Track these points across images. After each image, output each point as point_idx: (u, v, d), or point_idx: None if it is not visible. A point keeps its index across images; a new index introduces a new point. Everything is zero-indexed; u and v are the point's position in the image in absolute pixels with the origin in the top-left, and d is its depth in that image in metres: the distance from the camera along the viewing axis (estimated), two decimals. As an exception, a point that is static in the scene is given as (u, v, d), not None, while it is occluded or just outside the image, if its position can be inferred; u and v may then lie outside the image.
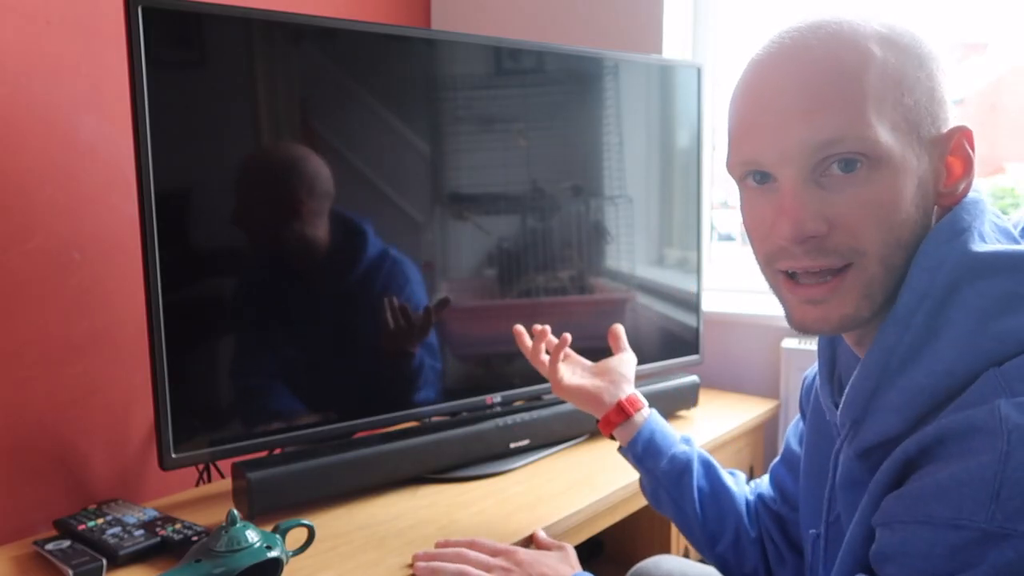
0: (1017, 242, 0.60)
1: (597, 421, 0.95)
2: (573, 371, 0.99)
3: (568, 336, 0.99)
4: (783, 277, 0.61)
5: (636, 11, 1.63)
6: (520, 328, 1.03)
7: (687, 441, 0.91)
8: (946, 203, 0.60)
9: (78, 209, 1.23)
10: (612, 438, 0.94)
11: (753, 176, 0.61)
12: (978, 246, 0.57)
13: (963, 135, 0.59)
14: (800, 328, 0.62)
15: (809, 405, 0.77)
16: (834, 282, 0.59)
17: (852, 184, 0.57)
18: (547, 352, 1.01)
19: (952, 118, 0.60)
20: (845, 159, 0.56)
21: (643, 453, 0.90)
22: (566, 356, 1.02)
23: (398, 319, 1.14)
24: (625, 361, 1.00)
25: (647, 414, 0.93)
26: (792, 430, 0.87)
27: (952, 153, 0.60)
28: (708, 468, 0.89)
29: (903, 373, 0.58)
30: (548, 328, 1.01)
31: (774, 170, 0.59)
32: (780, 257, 0.60)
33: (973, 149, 0.60)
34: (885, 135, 0.56)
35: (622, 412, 0.92)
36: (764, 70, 0.59)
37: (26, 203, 1.17)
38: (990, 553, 0.48)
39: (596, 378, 0.97)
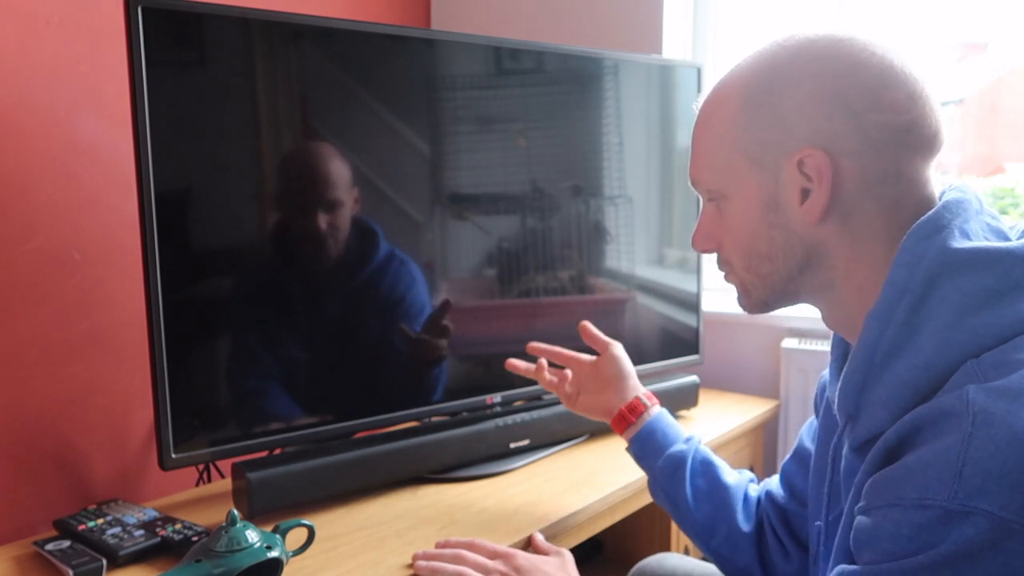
0: (1006, 241, 0.61)
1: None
2: (578, 385, 1.04)
3: (543, 363, 1.06)
4: None
5: (636, 11, 1.63)
6: (513, 362, 1.08)
7: (688, 440, 0.93)
8: (812, 219, 0.64)
9: (78, 209, 1.23)
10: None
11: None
12: (957, 243, 0.59)
13: (808, 156, 0.62)
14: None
15: (823, 402, 0.79)
16: (729, 275, 0.74)
17: (718, 212, 0.71)
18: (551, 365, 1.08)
19: (817, 139, 0.62)
20: (707, 196, 0.72)
21: (642, 451, 0.94)
22: (569, 362, 1.06)
23: (419, 338, 1.18)
24: (614, 358, 1.02)
25: (651, 414, 0.96)
26: (806, 428, 0.88)
27: (805, 173, 0.63)
28: (707, 467, 0.91)
29: (887, 367, 0.60)
30: (533, 365, 1.07)
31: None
32: None
33: (817, 169, 0.62)
34: (722, 176, 0.68)
35: (623, 419, 0.97)
36: None
37: (26, 203, 1.17)
38: (952, 531, 0.49)
39: (600, 392, 1.01)
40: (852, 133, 0.61)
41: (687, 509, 0.89)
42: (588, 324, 1.06)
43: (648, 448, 0.93)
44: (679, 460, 0.90)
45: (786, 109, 0.63)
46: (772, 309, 0.73)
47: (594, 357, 1.04)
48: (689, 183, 0.75)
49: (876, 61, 0.62)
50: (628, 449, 0.97)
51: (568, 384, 1.05)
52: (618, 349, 1.02)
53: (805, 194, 0.64)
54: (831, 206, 0.63)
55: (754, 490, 0.91)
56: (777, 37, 0.67)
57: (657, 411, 0.96)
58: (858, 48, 0.62)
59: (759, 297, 0.72)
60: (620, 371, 1.00)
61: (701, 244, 0.75)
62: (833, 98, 0.62)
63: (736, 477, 0.92)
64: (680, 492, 0.89)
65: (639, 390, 0.99)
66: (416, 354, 1.17)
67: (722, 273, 0.76)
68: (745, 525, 0.88)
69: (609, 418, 0.99)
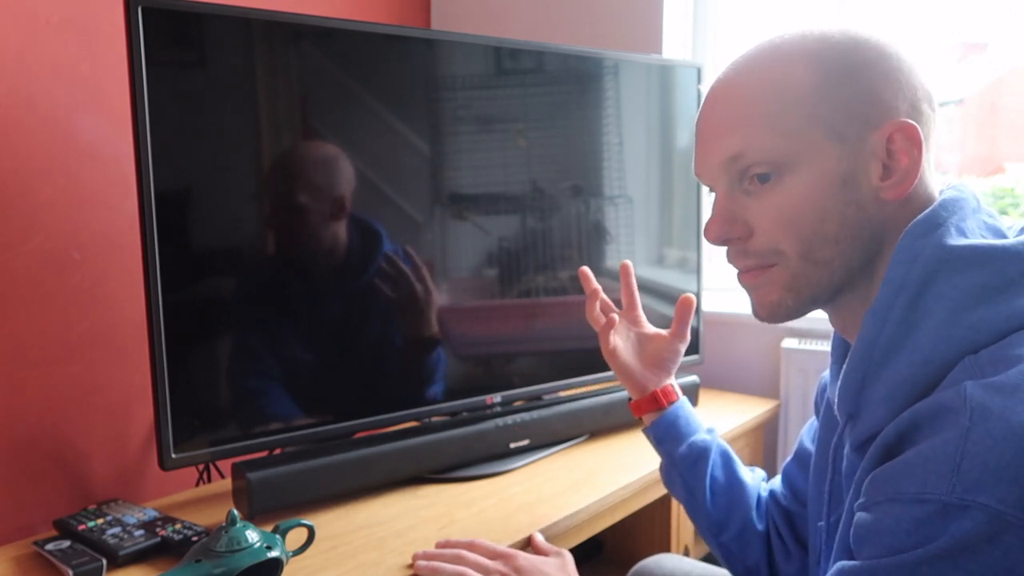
0: (1003, 239, 0.61)
1: (629, 400, 0.97)
2: (627, 342, 0.98)
3: (599, 291, 0.98)
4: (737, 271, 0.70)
5: (636, 11, 1.63)
6: (586, 270, 1.02)
7: (711, 431, 0.93)
8: (892, 196, 0.62)
9: (78, 209, 1.23)
10: (640, 419, 0.97)
11: (710, 188, 0.70)
12: (954, 240, 0.59)
13: (900, 130, 0.61)
14: (754, 313, 0.70)
15: (823, 403, 0.79)
16: (760, 272, 0.66)
17: (768, 191, 0.63)
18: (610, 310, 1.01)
19: (900, 114, 0.62)
20: (757, 172, 0.64)
21: (664, 435, 0.92)
22: (632, 308, 1.00)
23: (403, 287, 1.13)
24: (677, 353, 0.98)
25: (678, 401, 0.95)
26: (807, 429, 0.88)
27: (890, 147, 0.62)
28: (726, 460, 0.91)
29: (886, 365, 0.60)
30: (598, 289, 0.99)
31: (711, 183, 0.69)
32: (728, 258, 0.70)
33: (916, 142, 0.61)
34: (790, 144, 0.62)
35: (655, 401, 0.94)
36: (704, 100, 0.69)
37: (26, 203, 1.17)
38: (951, 525, 0.50)
39: (648, 368, 0.96)
40: (926, 114, 0.63)
41: (703, 500, 0.88)
42: (692, 301, 0.98)
43: (671, 433, 0.91)
44: (702, 449, 0.90)
45: (870, 81, 0.61)
46: (806, 312, 0.67)
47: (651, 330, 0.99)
48: (725, 154, 0.65)
49: (906, 57, 0.63)
50: (646, 430, 0.95)
51: (615, 333, 0.97)
52: (685, 346, 0.99)
53: (886, 171, 0.62)
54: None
55: (764, 490, 0.91)
56: (791, 31, 0.65)
57: (683, 399, 0.96)
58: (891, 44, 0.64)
59: (810, 293, 0.65)
60: (674, 359, 0.97)
61: (726, 230, 0.66)
62: (909, 79, 0.62)
63: (751, 475, 0.92)
64: (699, 482, 0.89)
65: (674, 381, 0.97)
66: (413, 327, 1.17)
67: (745, 267, 0.67)
68: (759, 524, 0.88)
69: (639, 394, 0.95)
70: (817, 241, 0.63)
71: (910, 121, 0.61)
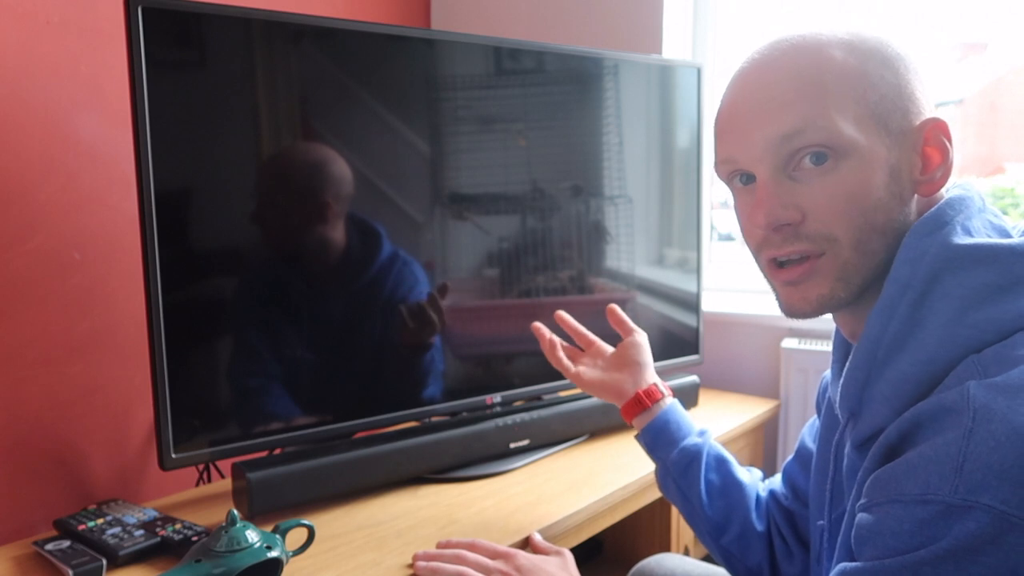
0: (1009, 238, 0.61)
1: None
2: (594, 363, 1.01)
3: (555, 342, 1.03)
4: (769, 264, 0.66)
5: (636, 11, 1.63)
6: (538, 325, 1.05)
7: (702, 434, 0.92)
8: (925, 191, 0.63)
9: (78, 209, 1.23)
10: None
11: (740, 178, 0.67)
12: (960, 239, 0.59)
13: (936, 126, 0.62)
14: (788, 311, 0.67)
15: (824, 402, 0.79)
16: (809, 263, 0.63)
17: (822, 175, 0.61)
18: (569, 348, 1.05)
19: (928, 112, 0.63)
20: (813, 152, 0.61)
21: (654, 442, 0.92)
22: (590, 345, 1.03)
23: (415, 316, 1.16)
24: (637, 345, 0.99)
25: (665, 404, 0.94)
26: (808, 428, 0.88)
27: (926, 143, 0.63)
28: (720, 462, 0.90)
29: (890, 363, 0.60)
30: (554, 338, 1.04)
31: (751, 167, 0.64)
32: (765, 247, 0.65)
33: (949, 139, 0.63)
34: (847, 127, 0.60)
35: (639, 403, 0.94)
36: (737, 81, 0.66)
37: (26, 203, 1.17)
38: (954, 526, 0.50)
39: (615, 371, 0.98)
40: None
41: (700, 504, 0.88)
42: (615, 307, 1.03)
43: (661, 439, 0.91)
44: (694, 453, 0.89)
45: (905, 77, 0.62)
46: (846, 305, 0.64)
47: (612, 349, 1.02)
48: (779, 132, 0.61)
49: (915, 59, 0.64)
50: (638, 437, 0.95)
51: (579, 363, 1.01)
52: (643, 337, 1.00)
53: (924, 166, 0.63)
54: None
55: (762, 489, 0.91)
56: (808, 29, 0.64)
57: (671, 402, 0.94)
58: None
59: (859, 283, 0.63)
60: (641, 357, 0.98)
61: (778, 213, 0.62)
62: (926, 79, 0.63)
63: (747, 474, 0.91)
64: (694, 487, 0.88)
65: (656, 379, 0.97)
66: (411, 337, 1.17)
67: (794, 255, 0.63)
68: (759, 524, 0.87)
69: (621, 401, 0.96)
70: (867, 231, 0.61)
71: (941, 118, 0.62)
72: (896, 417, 0.58)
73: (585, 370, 1.00)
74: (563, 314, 1.05)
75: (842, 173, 0.60)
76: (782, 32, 0.65)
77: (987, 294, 0.57)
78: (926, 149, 0.63)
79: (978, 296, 0.57)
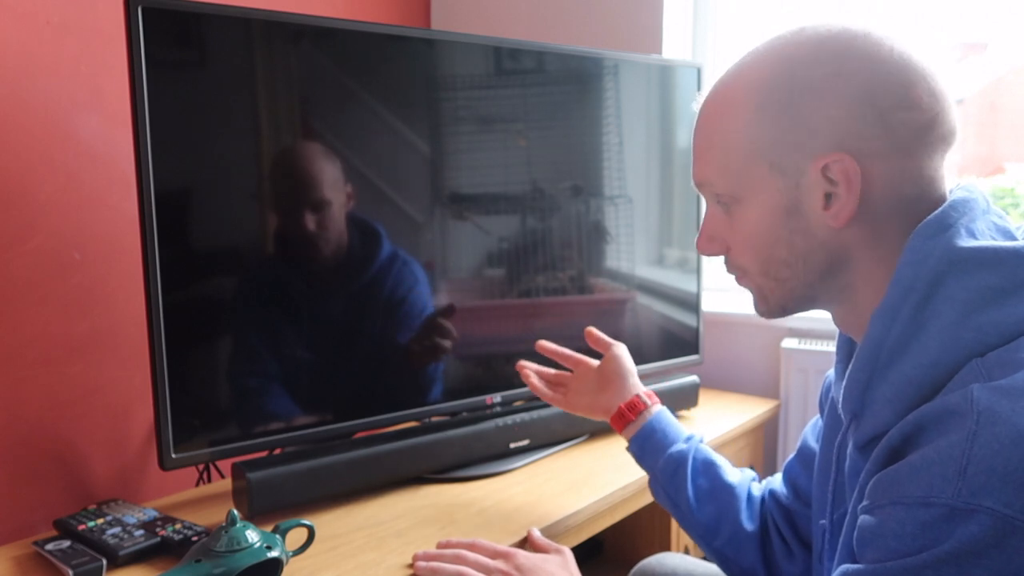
0: (1013, 240, 0.61)
1: None
2: (580, 387, 1.04)
3: (529, 374, 1.07)
4: None
5: (636, 11, 1.63)
6: (523, 365, 1.09)
7: (689, 439, 0.93)
8: (836, 225, 0.62)
9: (78, 209, 1.23)
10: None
11: None
12: (963, 241, 0.59)
13: (833, 162, 0.60)
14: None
15: (828, 402, 0.79)
16: (743, 281, 0.72)
17: (730, 216, 0.68)
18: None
19: (840, 142, 0.60)
20: (716, 197, 0.69)
21: (641, 451, 0.94)
22: (577, 365, 1.06)
23: (424, 340, 1.18)
24: (616, 358, 1.01)
25: (651, 413, 0.95)
26: (810, 428, 0.88)
27: (828, 178, 0.61)
28: (708, 466, 0.91)
29: (892, 365, 0.60)
30: (535, 378, 1.07)
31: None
32: None
33: (853, 173, 0.60)
34: (734, 182, 0.66)
35: (623, 417, 0.97)
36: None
37: (26, 203, 1.17)
38: (957, 529, 0.49)
39: (599, 391, 1.01)
40: (880, 134, 0.60)
41: (689, 509, 0.88)
42: (592, 329, 1.06)
43: (648, 448, 0.93)
44: (680, 460, 0.90)
45: (809, 111, 0.61)
46: (791, 313, 0.71)
47: (598, 362, 1.04)
48: (693, 184, 0.72)
49: (897, 56, 0.60)
50: (628, 448, 0.96)
51: (567, 391, 1.05)
52: (620, 349, 1.03)
53: (828, 198, 0.62)
54: (858, 210, 0.61)
55: (757, 489, 0.91)
56: (784, 31, 0.64)
57: (657, 410, 0.96)
58: (878, 43, 0.61)
59: (778, 302, 0.69)
60: (621, 370, 1.00)
61: (706, 247, 0.72)
62: (861, 97, 0.59)
63: (738, 476, 0.91)
64: (682, 492, 0.89)
65: (639, 388, 0.98)
66: (417, 356, 1.17)
67: (733, 276, 0.73)
68: (749, 525, 0.87)
69: (608, 416, 0.98)
70: (773, 263, 0.66)
71: (842, 153, 0.60)
72: (898, 419, 0.58)
73: (573, 398, 1.04)
74: (544, 343, 1.08)
75: (738, 216, 0.67)
76: (737, 54, 0.69)
77: (991, 297, 0.57)
78: (830, 181, 0.61)
79: (982, 299, 0.57)
